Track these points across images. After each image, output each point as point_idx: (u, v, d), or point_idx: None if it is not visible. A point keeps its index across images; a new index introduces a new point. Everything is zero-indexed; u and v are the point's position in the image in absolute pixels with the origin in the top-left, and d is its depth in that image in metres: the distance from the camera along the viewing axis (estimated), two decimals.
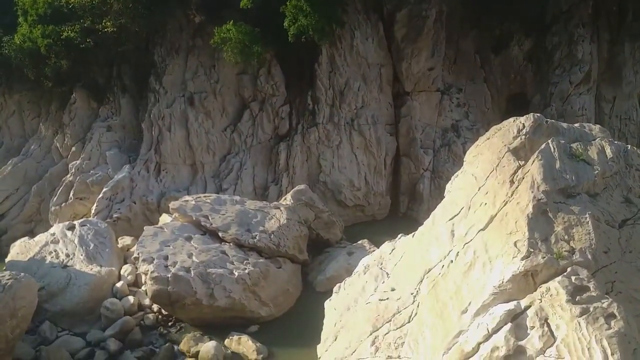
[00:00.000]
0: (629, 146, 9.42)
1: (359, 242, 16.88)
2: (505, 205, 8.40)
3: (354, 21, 21.11)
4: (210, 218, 15.44)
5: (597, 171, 8.54)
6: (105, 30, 20.85)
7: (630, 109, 21.96)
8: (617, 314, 6.30)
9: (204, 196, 17.01)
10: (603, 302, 6.48)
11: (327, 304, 11.52)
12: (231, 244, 14.83)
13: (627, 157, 9.01)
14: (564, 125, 9.71)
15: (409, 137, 21.41)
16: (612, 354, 5.94)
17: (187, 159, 21.33)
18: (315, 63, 21.06)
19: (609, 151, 8.89)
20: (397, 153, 21.70)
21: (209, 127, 21.36)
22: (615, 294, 7.02)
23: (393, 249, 11.43)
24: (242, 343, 12.91)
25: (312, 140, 20.85)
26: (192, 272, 13.62)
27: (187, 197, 16.98)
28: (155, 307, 14.63)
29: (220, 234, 15.03)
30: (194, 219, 15.53)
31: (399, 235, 12.08)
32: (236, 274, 13.75)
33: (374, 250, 13.84)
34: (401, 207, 21.38)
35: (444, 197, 10.31)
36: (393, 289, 9.78)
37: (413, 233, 10.89)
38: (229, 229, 15.07)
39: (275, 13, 19.23)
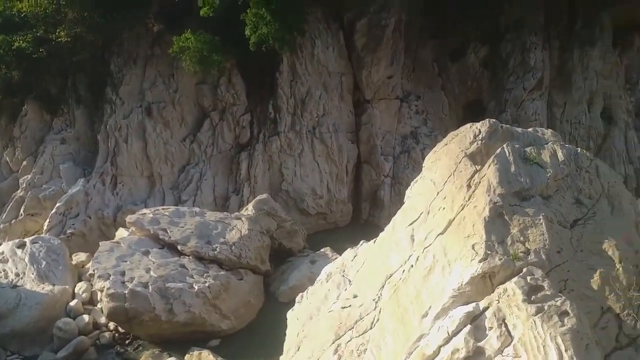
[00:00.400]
0: (579, 149, 9.73)
1: (322, 250, 16.80)
2: (462, 209, 8.50)
3: (315, 30, 21.20)
4: (168, 231, 15.04)
5: (549, 174, 8.76)
6: (59, 39, 20.24)
7: (580, 113, 22.82)
8: (570, 311, 6.43)
9: (162, 208, 16.59)
10: (557, 301, 6.61)
11: (290, 314, 11.36)
12: (191, 257, 14.48)
13: (577, 159, 9.29)
14: (518, 130, 9.95)
15: (370, 144, 21.58)
16: (566, 350, 6.05)
17: (145, 170, 20.80)
18: (277, 72, 21.00)
19: (560, 154, 9.15)
20: (358, 160, 21.81)
21: (167, 138, 20.93)
22: (568, 292, 7.18)
23: (355, 256, 11.40)
24: (203, 358, 12.55)
25: (273, 149, 20.71)
26: (150, 288, 13.20)
27: (144, 210, 16.50)
28: (111, 325, 14.09)
29: (179, 247, 14.65)
30: (152, 232, 15.09)
31: (361, 242, 12.07)
32: (196, 287, 13.40)
33: (336, 258, 13.77)
34: (363, 213, 21.48)
35: (404, 202, 10.37)
36: (355, 296, 9.72)
37: (374, 239, 10.90)
38: (188, 241, 14.71)
39: (236, 21, 19.10)
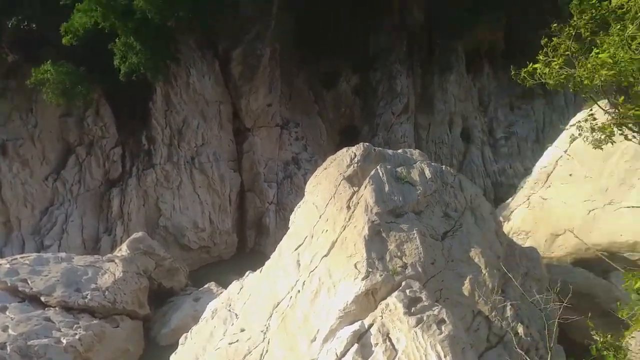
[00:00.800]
0: (444, 166, 10.47)
1: (206, 285, 16.03)
2: (344, 230, 8.65)
3: (189, 59, 20.74)
4: (29, 282, 13.31)
5: (419, 191, 9.28)
6: None
7: (443, 134, 25.06)
8: (446, 319, 6.78)
9: (22, 257, 14.68)
10: (434, 310, 6.94)
11: (173, 358, 10.59)
12: (57, 308, 12.91)
13: (443, 176, 9.96)
14: (390, 152, 10.46)
15: (253, 172, 21.46)
16: (445, 356, 6.35)
17: (0, 216, 18.42)
18: (150, 101, 20.10)
19: (428, 172, 9.75)
20: (241, 188, 21.55)
21: (26, 178, 18.82)
22: (443, 300, 7.57)
23: (241, 288, 11.03)
24: None
25: (149, 182, 19.61)
26: (8, 348, 11.46)
27: None
28: None
29: (43, 299, 13.00)
30: (9, 285, 13.24)
31: (247, 273, 11.74)
32: (64, 341, 11.92)
33: (221, 293, 13.23)
34: (248, 243, 21.16)
35: (289, 228, 10.32)
36: (243, 330, 9.35)
37: (261, 268, 10.66)
38: (53, 291, 13.13)
39: (103, 50, 17.99)
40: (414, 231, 8.35)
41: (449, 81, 25.30)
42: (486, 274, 8.10)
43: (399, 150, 10.80)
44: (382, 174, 9.33)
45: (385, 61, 24.09)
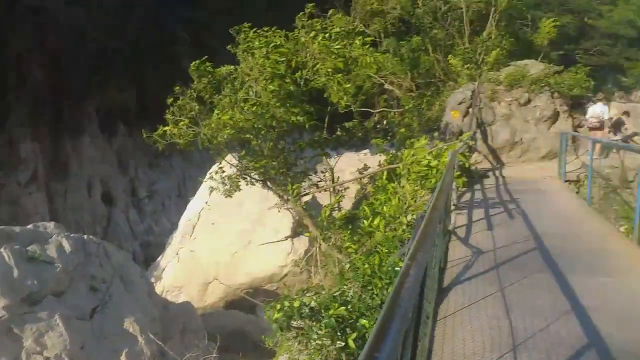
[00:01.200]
0: (86, 236, 9.72)
1: None
2: None
3: None
4: None
5: (59, 269, 8.36)
6: None
7: (82, 200, 23.33)
8: None
9: None
10: None
11: None
12: None
13: (85, 247, 9.25)
14: (17, 229, 9.11)
15: None
16: None
17: None
18: None
19: (67, 246, 8.88)
20: None
21: None
22: None
23: None
24: None
25: None
26: None
27: None
28: None
29: None
30: None
31: None
32: None
33: None
34: None
35: None
36: None
37: None
38: None
39: None
40: (56, 317, 7.39)
41: (83, 142, 23.99)
42: (142, 342, 7.84)
43: (29, 226, 9.48)
44: (9, 256, 7.98)
45: (3, 124, 20.94)
